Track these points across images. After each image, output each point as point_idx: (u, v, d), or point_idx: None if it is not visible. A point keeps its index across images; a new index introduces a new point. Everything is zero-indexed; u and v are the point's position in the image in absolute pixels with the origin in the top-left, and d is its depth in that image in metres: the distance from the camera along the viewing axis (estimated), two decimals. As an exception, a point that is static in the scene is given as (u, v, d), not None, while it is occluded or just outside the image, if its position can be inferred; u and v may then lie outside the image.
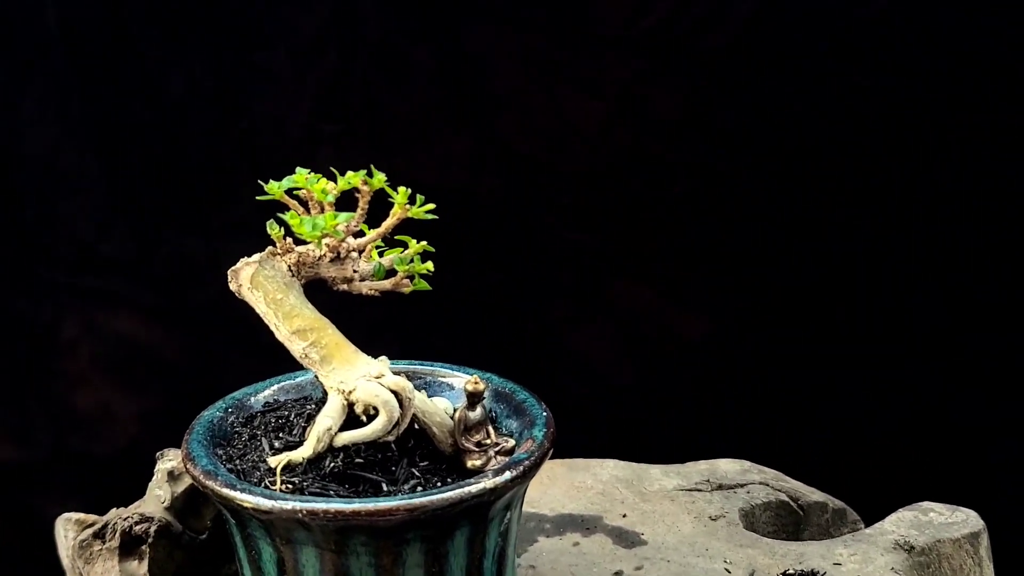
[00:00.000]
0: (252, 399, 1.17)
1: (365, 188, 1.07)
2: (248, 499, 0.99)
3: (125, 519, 1.12)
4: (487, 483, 1.01)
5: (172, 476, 1.17)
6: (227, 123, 1.97)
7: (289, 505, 0.98)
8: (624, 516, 1.31)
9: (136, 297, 2.03)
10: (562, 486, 1.36)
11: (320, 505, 0.98)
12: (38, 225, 2.02)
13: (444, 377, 1.19)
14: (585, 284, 1.97)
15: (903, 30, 1.79)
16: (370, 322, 1.90)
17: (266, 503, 0.99)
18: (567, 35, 1.89)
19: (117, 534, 1.11)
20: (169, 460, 1.18)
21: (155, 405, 2.06)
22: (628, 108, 1.90)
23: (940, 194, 1.86)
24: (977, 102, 1.81)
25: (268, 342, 1.90)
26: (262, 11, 1.93)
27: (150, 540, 1.11)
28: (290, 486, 1.03)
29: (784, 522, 1.35)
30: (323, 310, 1.10)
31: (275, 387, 1.19)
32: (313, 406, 1.12)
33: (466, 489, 1.00)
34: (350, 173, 1.07)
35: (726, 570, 1.20)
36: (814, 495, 1.37)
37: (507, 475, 1.02)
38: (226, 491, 1.01)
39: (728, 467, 1.39)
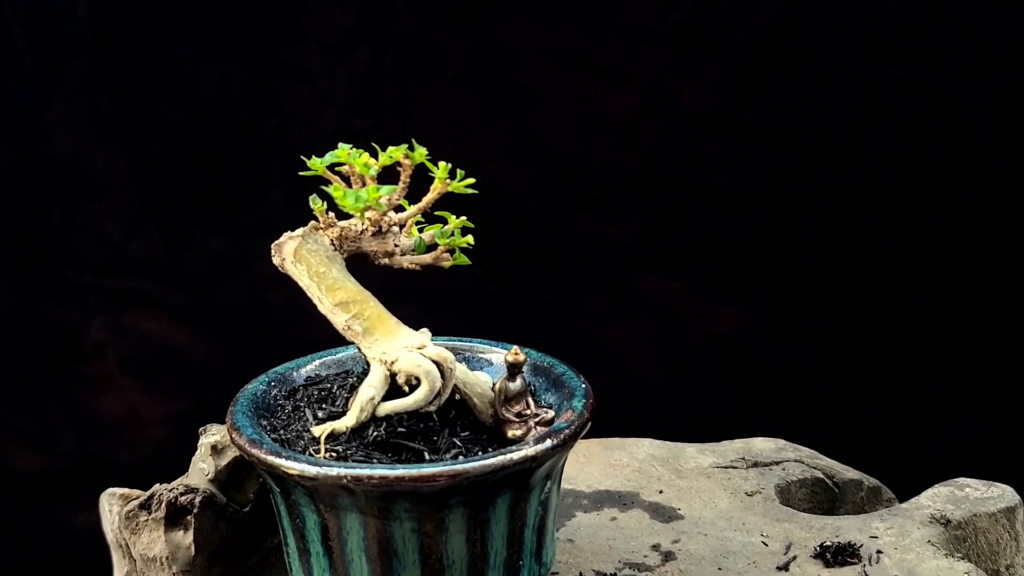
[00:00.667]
0: (294, 373, 1.18)
1: (407, 162, 1.08)
2: (294, 466, 1.01)
3: (171, 490, 1.14)
4: (528, 451, 1.02)
5: (215, 450, 1.18)
6: (257, 121, 1.98)
7: (334, 471, 0.99)
8: (660, 492, 1.32)
9: (164, 298, 2.03)
10: (599, 464, 1.38)
11: (364, 471, 0.99)
12: (66, 226, 2.02)
13: (483, 353, 1.20)
14: (617, 278, 1.98)
15: (929, 23, 1.79)
16: (400, 314, 1.91)
17: (311, 469, 1.00)
18: (597, 28, 1.91)
19: (163, 505, 1.13)
20: (212, 435, 1.20)
21: (182, 409, 2.05)
22: (658, 101, 1.92)
23: (972, 184, 1.86)
24: (1009, 96, 1.82)
25: (297, 343, 1.92)
26: (294, 8, 1.95)
27: (195, 511, 1.13)
28: (334, 454, 1.04)
29: (820, 499, 1.36)
30: None
31: (317, 362, 1.20)
32: (355, 379, 1.14)
33: (508, 456, 1.01)
34: (391, 148, 1.09)
35: (763, 543, 1.21)
36: (849, 473, 1.38)
37: (548, 443, 1.04)
38: (271, 458, 1.02)
39: (763, 445, 1.40)
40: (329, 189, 1.07)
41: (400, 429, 1.06)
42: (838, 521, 1.25)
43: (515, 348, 1.10)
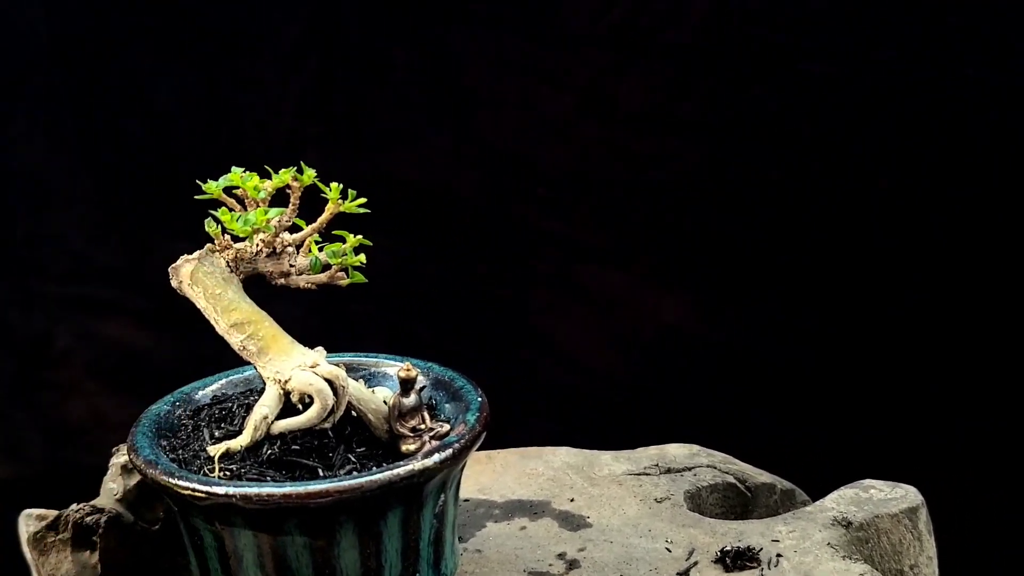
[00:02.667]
0: (199, 393, 1.21)
1: (295, 184, 1.11)
2: (186, 485, 1.03)
3: (77, 511, 1.16)
4: (416, 465, 1.04)
5: (125, 470, 1.21)
6: (214, 130, 2.02)
7: (222, 490, 1.02)
8: (572, 500, 1.34)
9: (128, 304, 2.07)
10: (514, 473, 1.40)
11: (253, 489, 1.01)
12: (29, 237, 2.06)
13: (385, 367, 1.22)
14: (562, 271, 2.04)
15: (848, 20, 1.84)
16: (356, 315, 1.94)
17: (202, 488, 1.02)
18: (536, 33, 1.96)
19: (69, 526, 1.15)
20: (122, 455, 1.22)
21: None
22: (596, 101, 1.97)
23: (891, 169, 1.91)
24: (934, 88, 1.86)
25: None
26: (246, 19, 1.99)
27: (101, 531, 1.15)
28: (228, 472, 1.06)
29: (732, 503, 1.38)
30: (303, 300, 1.14)
31: (223, 381, 1.23)
32: (256, 397, 1.16)
33: (395, 471, 1.03)
34: (282, 171, 1.11)
35: (667, 549, 1.23)
36: (762, 476, 1.40)
37: (436, 457, 1.06)
38: (165, 478, 1.04)
39: (677, 451, 1.42)
40: (218, 213, 1.09)
41: (294, 447, 1.09)
42: (743, 526, 1.27)
43: (407, 364, 1.12)
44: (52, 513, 1.26)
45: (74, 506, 1.18)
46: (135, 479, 1.20)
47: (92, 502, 1.19)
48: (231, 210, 1.09)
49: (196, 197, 1.13)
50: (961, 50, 1.86)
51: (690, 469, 1.39)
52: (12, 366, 2.08)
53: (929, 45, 1.87)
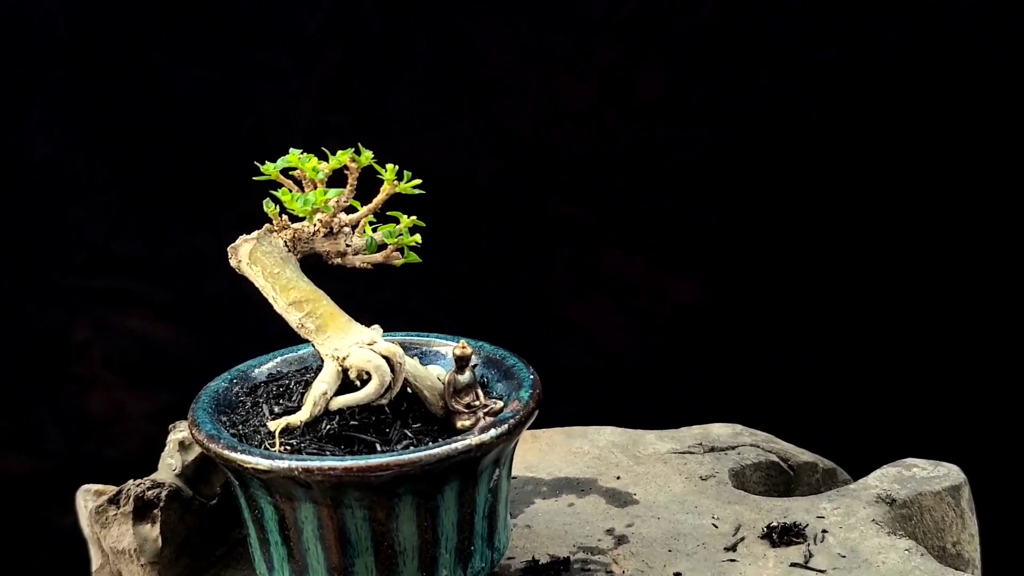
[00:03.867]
0: (256, 371, 1.23)
1: (353, 165, 1.13)
2: (248, 459, 1.05)
3: (138, 485, 1.18)
4: (473, 440, 1.07)
5: (183, 446, 1.23)
6: (234, 121, 2.04)
7: (285, 464, 1.04)
8: (618, 478, 1.36)
9: (147, 296, 2.08)
10: (560, 452, 1.42)
11: (315, 463, 1.04)
12: (48, 230, 2.07)
13: (438, 347, 1.24)
14: (580, 256, 2.07)
15: (861, 8, 1.88)
16: (378, 300, 1.97)
17: (265, 462, 1.05)
18: (556, 22, 2.00)
19: (131, 499, 1.18)
20: (180, 431, 1.25)
21: (168, 403, 2.07)
22: (614, 89, 2.01)
23: (906, 157, 1.95)
24: (945, 77, 1.91)
25: (278, 333, 1.98)
26: (266, 11, 2.01)
27: (161, 504, 1.17)
28: (288, 447, 1.09)
29: (775, 482, 1.40)
30: (329, 288, 1.16)
31: (278, 359, 1.25)
32: (311, 375, 1.18)
33: (453, 446, 1.06)
34: (340, 152, 1.13)
35: (713, 525, 1.25)
36: (804, 456, 1.42)
37: (492, 432, 1.08)
38: (228, 452, 1.07)
39: (720, 431, 1.44)
40: (279, 193, 1.12)
41: (352, 422, 1.11)
42: (787, 503, 1.29)
43: (462, 342, 1.14)
44: (110, 488, 1.29)
45: (134, 480, 1.21)
46: (193, 455, 1.23)
47: (151, 477, 1.22)
48: (289, 191, 1.11)
49: (254, 178, 1.16)
50: (971, 39, 1.90)
51: (734, 448, 1.41)
52: (32, 359, 2.09)
53: (940, 34, 1.90)
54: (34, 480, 2.09)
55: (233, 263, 1.16)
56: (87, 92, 2.01)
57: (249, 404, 1.17)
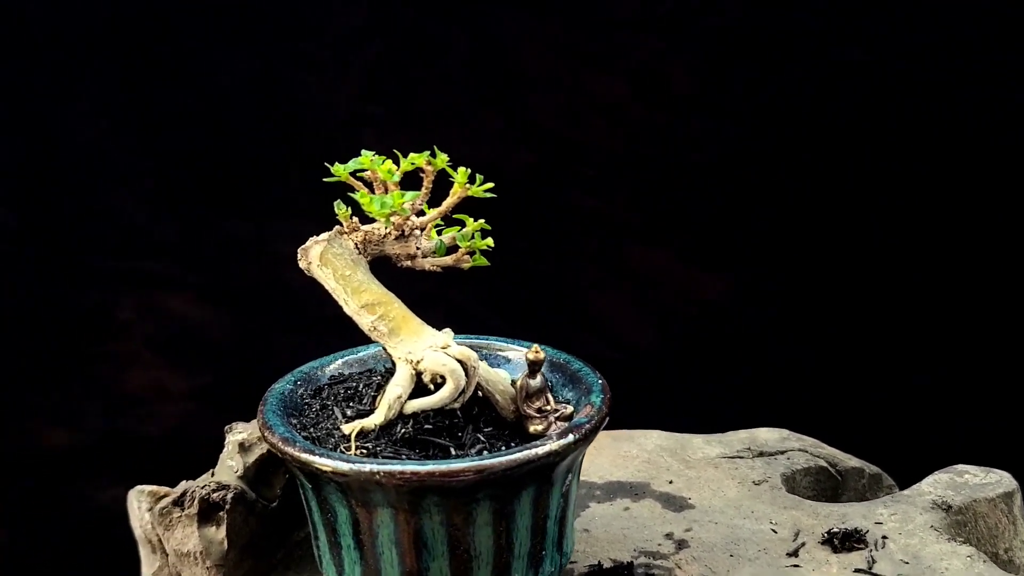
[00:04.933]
0: (319, 372, 1.22)
1: (429, 168, 1.12)
2: (327, 463, 1.05)
3: (203, 487, 1.17)
4: (552, 445, 1.07)
5: (243, 447, 1.22)
6: (272, 110, 2.07)
7: (367, 468, 1.03)
8: (670, 482, 1.36)
9: (186, 279, 2.12)
10: (609, 455, 1.42)
11: (396, 467, 1.03)
12: (90, 213, 2.10)
13: (500, 350, 1.24)
14: (606, 249, 2.09)
15: (886, 7, 1.92)
16: (409, 293, 1.99)
17: (344, 466, 1.04)
18: (588, 19, 2.02)
19: (196, 501, 1.17)
20: (239, 432, 1.24)
21: (205, 382, 2.13)
22: (643, 85, 2.04)
23: (928, 155, 1.99)
24: (988, 79, 1.93)
25: (313, 318, 2.00)
26: (308, 2, 2.03)
27: (227, 506, 1.16)
28: (364, 451, 1.08)
29: (823, 487, 1.41)
30: None
31: (339, 361, 1.24)
32: (379, 377, 1.18)
33: (533, 451, 1.05)
34: (413, 154, 1.13)
35: (772, 530, 1.26)
36: (851, 461, 1.43)
37: (570, 438, 1.08)
38: (305, 456, 1.06)
39: (768, 435, 1.45)
40: (356, 196, 1.11)
41: (427, 426, 1.10)
42: (843, 508, 1.30)
43: (535, 346, 1.14)
44: (164, 489, 1.28)
45: (195, 482, 1.20)
46: (254, 456, 1.22)
47: (214, 479, 1.21)
48: (367, 193, 1.11)
49: (325, 180, 1.15)
50: (996, 39, 1.93)
51: (783, 453, 1.41)
52: (74, 337, 2.12)
53: (965, 34, 1.94)
54: (73, 454, 2.13)
55: (303, 265, 1.15)
56: (130, 80, 2.04)
57: (317, 406, 1.16)
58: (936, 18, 1.94)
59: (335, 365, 1.23)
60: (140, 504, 1.28)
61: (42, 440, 2.11)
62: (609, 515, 1.30)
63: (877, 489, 1.44)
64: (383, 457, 1.07)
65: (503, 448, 1.10)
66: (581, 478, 1.37)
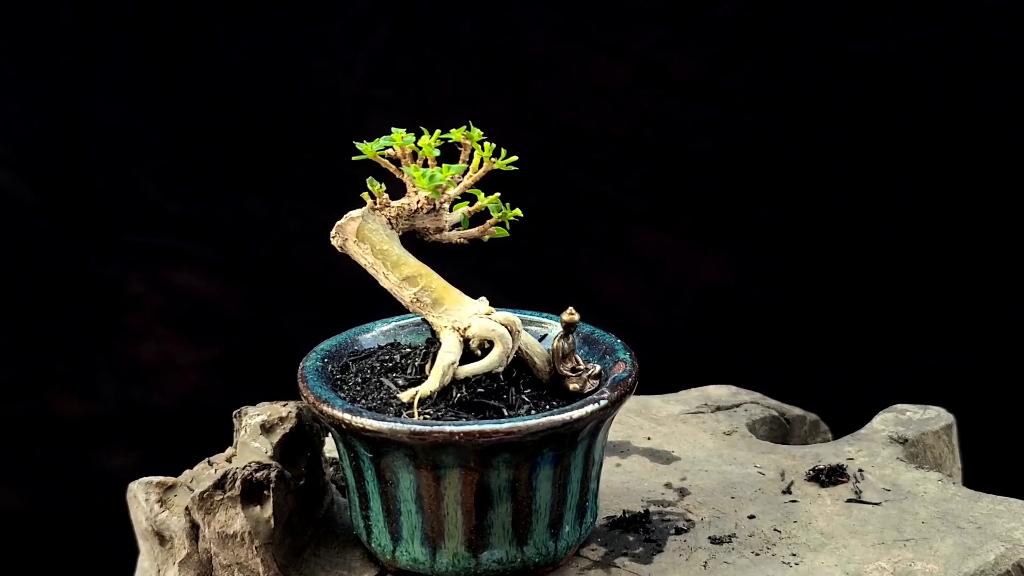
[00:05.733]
0: (340, 349, 1.24)
1: (467, 142, 1.17)
2: (402, 428, 1.08)
3: (244, 468, 1.17)
4: (604, 399, 1.13)
5: (264, 428, 1.23)
6: (286, 91, 2.13)
7: (447, 429, 1.07)
8: (648, 439, 1.44)
9: (199, 254, 2.16)
10: (580, 419, 1.49)
11: (474, 427, 1.08)
12: (109, 189, 2.14)
13: (526, 323, 1.30)
14: (610, 231, 2.19)
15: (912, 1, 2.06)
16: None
17: (423, 429, 1.08)
18: (594, 6, 2.13)
19: (238, 482, 1.17)
20: (256, 415, 1.24)
21: (216, 355, 2.19)
22: (649, 72, 2.14)
23: (931, 144, 2.12)
24: (986, 71, 2.10)
25: (322, 292, 2.11)
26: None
27: (272, 485, 1.17)
28: (427, 415, 1.12)
29: (776, 433, 1.52)
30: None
31: (357, 337, 1.26)
32: (408, 349, 1.21)
33: (591, 407, 1.12)
34: (453, 130, 1.17)
35: (760, 473, 1.36)
36: (795, 410, 1.55)
37: (617, 392, 1.15)
38: (376, 424, 1.09)
39: (718, 392, 1.55)
40: (409, 169, 1.14)
41: (479, 390, 1.15)
42: (814, 449, 1.41)
43: (570, 309, 1.20)
44: (171, 479, 1.27)
45: (233, 464, 1.20)
46: (277, 436, 1.23)
47: (229, 458, 1.21)
48: (418, 168, 1.14)
49: (353, 158, 1.17)
50: (1003, 32, 2.08)
51: (739, 406, 1.52)
52: (89, 310, 2.16)
53: (971, 28, 2.08)
54: (86, 423, 2.17)
55: (337, 242, 1.17)
56: (148, 60, 2.09)
57: (358, 380, 1.19)
58: (941, 10, 2.07)
59: (353, 341, 1.26)
60: (148, 496, 1.27)
61: (57, 409, 2.15)
62: (605, 471, 1.37)
63: (815, 434, 1.56)
64: (445, 420, 1.11)
65: (545, 407, 1.16)
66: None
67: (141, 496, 1.27)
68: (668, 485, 1.34)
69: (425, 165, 1.18)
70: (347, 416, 1.11)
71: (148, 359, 2.17)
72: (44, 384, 2.17)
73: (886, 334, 2.20)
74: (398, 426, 1.08)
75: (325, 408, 1.12)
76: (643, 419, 1.49)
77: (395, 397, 1.15)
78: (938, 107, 2.11)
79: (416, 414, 1.12)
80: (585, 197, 2.17)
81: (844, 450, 1.41)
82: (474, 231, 1.21)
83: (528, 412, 1.15)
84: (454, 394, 1.14)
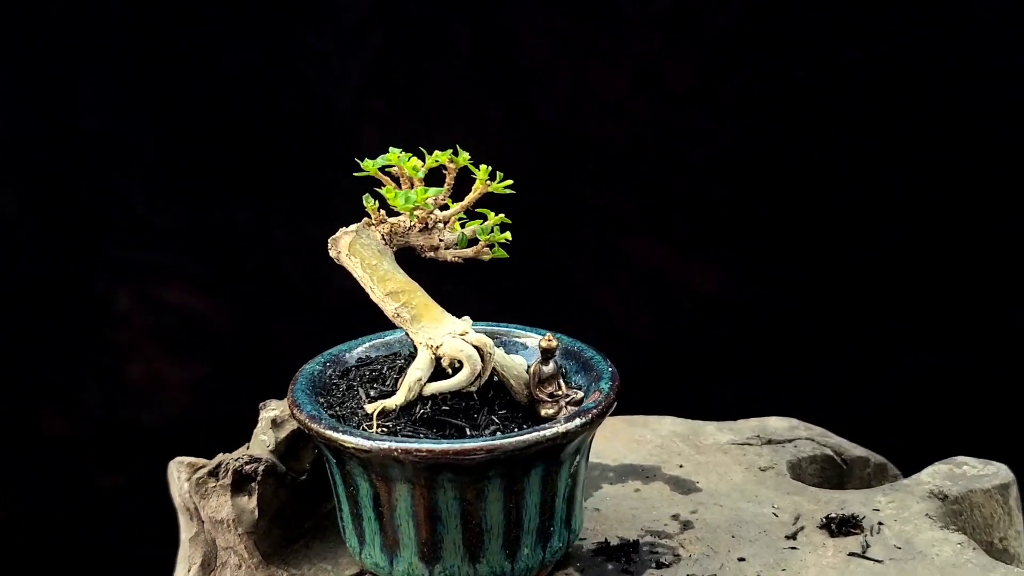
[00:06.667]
0: (347, 355, 1.30)
1: (451, 165, 1.19)
2: (349, 440, 1.13)
3: (236, 459, 1.26)
4: (559, 428, 1.14)
5: (275, 423, 1.30)
6: (278, 101, 2.10)
7: (386, 445, 1.11)
8: (680, 467, 1.43)
9: (187, 268, 2.14)
10: (623, 439, 1.49)
11: (413, 445, 1.11)
12: (95, 200, 2.12)
13: (518, 337, 1.31)
14: (606, 242, 2.15)
15: (886, 6, 1.98)
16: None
17: (365, 443, 1.12)
18: (590, 13, 2.08)
19: (229, 472, 1.25)
20: (272, 409, 1.32)
21: (204, 373, 2.15)
22: (646, 80, 2.09)
23: (927, 146, 2.04)
24: (989, 76, 1.99)
25: (313, 309, 2.03)
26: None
27: (259, 478, 1.24)
28: (385, 429, 1.16)
29: (829, 474, 1.47)
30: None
31: (366, 344, 1.31)
32: (403, 361, 1.25)
33: (542, 433, 1.13)
34: (437, 152, 1.20)
35: (774, 514, 1.32)
36: (856, 450, 1.49)
37: (577, 421, 1.15)
38: (329, 433, 1.14)
39: (777, 424, 1.51)
40: (382, 191, 1.19)
41: (444, 407, 1.18)
42: (844, 495, 1.36)
43: (548, 335, 1.21)
44: (201, 461, 1.37)
45: (229, 455, 1.28)
46: (285, 432, 1.30)
47: (248, 452, 1.29)
48: (393, 188, 1.18)
49: (354, 174, 1.22)
50: (996, 39, 1.98)
51: (791, 441, 1.47)
52: (74, 326, 2.14)
53: (968, 33, 1.99)
54: (72, 442, 2.14)
55: (332, 254, 1.23)
56: (135, 69, 2.06)
57: (344, 387, 1.24)
58: (938, 16, 1.99)
59: (362, 348, 1.31)
60: (179, 474, 1.37)
61: (45, 427, 2.12)
62: (620, 496, 1.37)
63: (882, 478, 1.49)
64: (402, 435, 1.15)
65: (515, 429, 1.17)
66: (596, 460, 1.45)
67: (174, 473, 1.38)
68: (675, 516, 1.33)
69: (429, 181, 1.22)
70: (308, 421, 1.16)
71: (135, 377, 2.12)
72: (29, 402, 2.13)
73: (886, 334, 2.10)
74: (346, 437, 1.13)
75: (295, 411, 1.18)
76: (686, 445, 1.47)
77: (361, 407, 1.19)
78: (938, 107, 2.01)
79: (375, 426, 1.16)
80: (580, 207, 2.12)
81: (875, 499, 1.35)
82: (469, 251, 1.24)
83: (493, 434, 1.17)
84: (417, 410, 1.17)
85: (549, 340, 1.20)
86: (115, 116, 2.10)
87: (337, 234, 1.23)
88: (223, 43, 2.08)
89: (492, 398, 1.21)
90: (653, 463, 1.44)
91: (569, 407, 1.20)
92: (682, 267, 2.14)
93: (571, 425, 1.14)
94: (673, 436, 1.49)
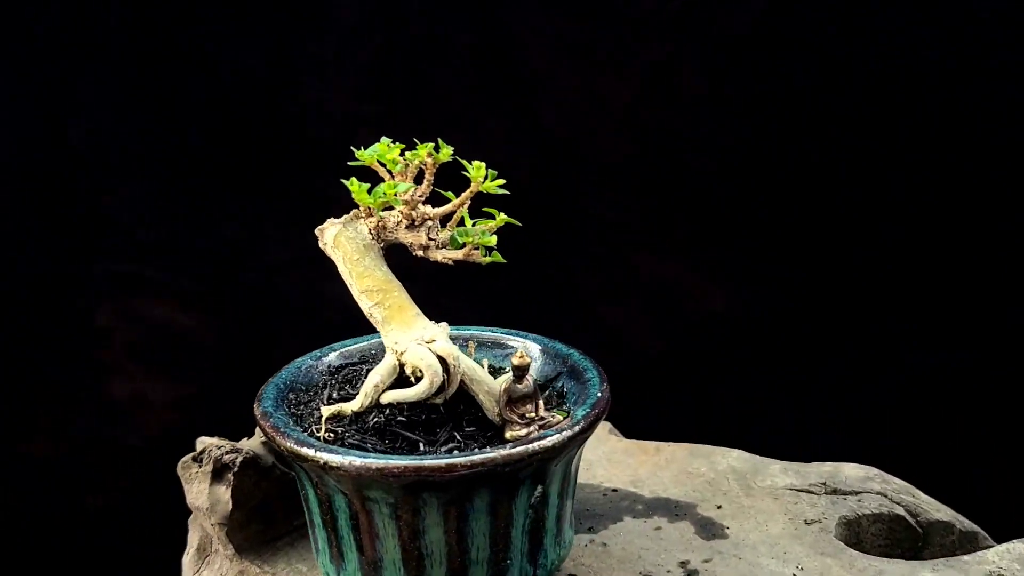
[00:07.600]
0: (347, 350, 1.24)
1: (430, 161, 1.11)
2: (282, 442, 1.07)
3: (219, 448, 1.23)
4: (500, 454, 1.04)
5: (278, 414, 1.26)
6: (274, 109, 2.03)
7: (311, 452, 1.05)
8: (719, 507, 1.29)
9: (174, 284, 2.08)
10: (675, 470, 1.36)
11: (336, 457, 1.04)
12: (80, 215, 2.07)
13: (507, 341, 1.23)
14: (613, 256, 2.03)
15: (913, 8, 1.85)
16: (414, 296, 1.97)
17: (295, 448, 1.06)
18: (598, 19, 1.95)
19: (211, 460, 1.22)
20: (280, 399, 1.28)
21: (190, 392, 2.10)
22: (653, 87, 1.96)
23: (931, 148, 1.91)
24: (989, 76, 1.86)
25: (306, 327, 1.97)
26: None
27: (235, 469, 1.21)
28: (332, 435, 1.09)
29: (899, 537, 1.28)
30: None
31: (374, 341, 1.26)
32: (370, 365, 1.19)
33: (472, 458, 1.03)
34: (420, 146, 1.12)
35: (794, 575, 1.17)
36: (938, 513, 1.30)
37: (521, 449, 1.04)
38: (271, 433, 1.09)
39: (851, 472, 1.34)
40: (348, 182, 1.12)
41: (400, 418, 1.10)
42: (885, 564, 1.19)
43: (520, 351, 1.11)
44: (229, 444, 1.35)
45: (214, 441, 1.25)
46: (285, 424, 1.26)
47: (240, 443, 1.26)
48: (356, 182, 1.11)
49: (349, 163, 1.16)
50: (996, 39, 1.84)
51: (857, 494, 1.30)
52: (58, 343, 2.11)
53: (975, 38, 1.85)
54: (56, 463, 2.12)
55: (320, 244, 1.17)
56: (124, 83, 2.02)
57: (321, 385, 1.19)
58: (938, 16, 1.85)
59: (358, 346, 1.25)
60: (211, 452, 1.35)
61: (28, 447, 2.10)
62: (636, 532, 1.25)
63: (971, 548, 1.29)
64: (348, 443, 1.08)
65: (476, 449, 1.08)
66: (631, 489, 1.33)
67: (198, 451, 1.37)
68: (683, 564, 1.20)
69: (420, 178, 1.15)
70: (259, 419, 1.12)
71: (119, 397, 2.07)
72: (14, 422, 2.07)
73: (886, 334, 1.94)
74: (285, 441, 1.08)
75: (255, 408, 1.14)
76: (738, 484, 1.33)
77: (317, 410, 1.13)
78: (938, 107, 1.85)
79: (322, 430, 1.10)
80: (587, 219, 1.97)
81: (919, 574, 1.16)
82: (458, 253, 1.15)
83: (451, 451, 1.08)
84: (371, 418, 1.10)
85: (521, 357, 1.10)
86: (99, 131, 2.05)
87: (325, 224, 1.17)
88: (215, 54, 2.02)
89: (461, 413, 1.12)
90: (691, 500, 1.30)
91: (541, 431, 1.09)
92: (689, 282, 2.02)
93: (515, 452, 1.04)
94: (729, 472, 1.35)
